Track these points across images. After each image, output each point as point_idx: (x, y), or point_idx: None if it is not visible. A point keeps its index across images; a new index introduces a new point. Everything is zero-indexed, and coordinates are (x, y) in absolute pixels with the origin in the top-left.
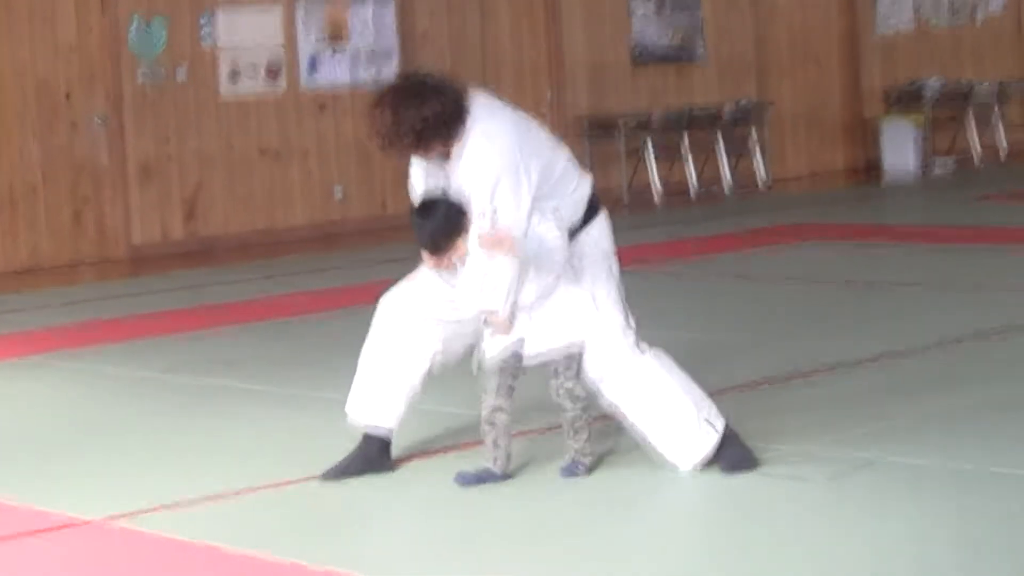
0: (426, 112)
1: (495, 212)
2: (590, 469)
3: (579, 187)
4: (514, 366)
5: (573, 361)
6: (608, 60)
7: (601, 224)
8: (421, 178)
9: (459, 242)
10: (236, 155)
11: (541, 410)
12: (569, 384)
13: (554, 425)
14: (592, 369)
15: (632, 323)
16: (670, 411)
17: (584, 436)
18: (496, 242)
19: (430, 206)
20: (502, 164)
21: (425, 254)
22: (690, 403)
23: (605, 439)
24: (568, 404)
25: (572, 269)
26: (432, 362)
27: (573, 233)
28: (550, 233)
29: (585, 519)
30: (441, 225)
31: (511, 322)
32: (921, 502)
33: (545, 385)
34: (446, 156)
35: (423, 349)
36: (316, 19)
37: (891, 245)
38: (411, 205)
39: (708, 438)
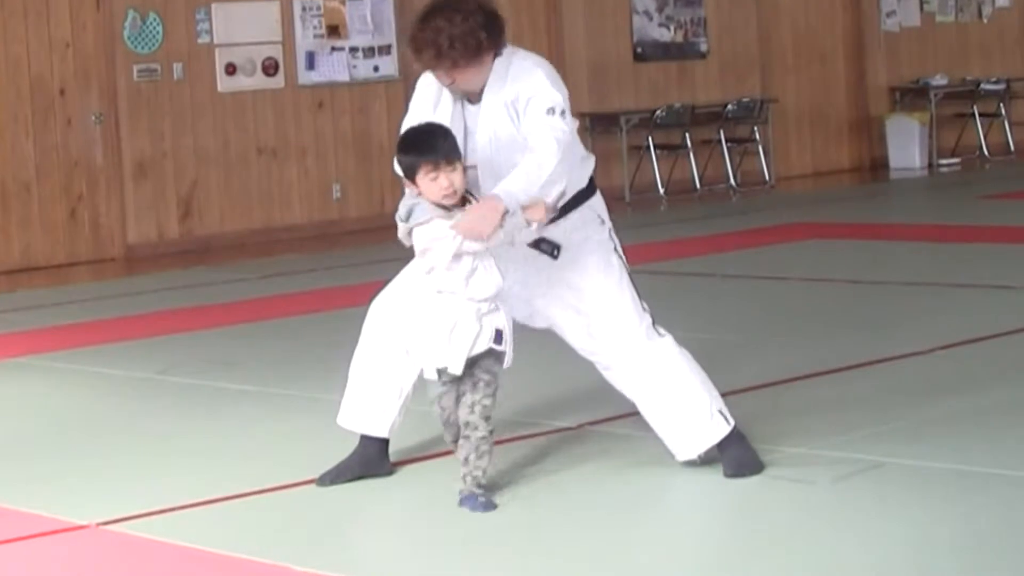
0: (489, 7)
1: (564, 113)
2: (491, 498)
3: (587, 157)
4: (452, 385)
5: (495, 378)
6: (610, 56)
7: (600, 201)
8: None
9: (457, 171)
10: (233, 153)
11: (545, 414)
12: (487, 402)
13: (556, 428)
14: (602, 355)
15: (645, 306)
16: (683, 397)
17: (486, 461)
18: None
19: (437, 126)
20: (557, 83)
21: (433, 173)
22: (705, 393)
23: (597, 444)
24: (481, 424)
25: (575, 245)
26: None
27: (575, 205)
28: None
29: (586, 523)
30: (454, 139)
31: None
32: (927, 504)
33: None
34: (473, 88)
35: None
36: (314, 14)
37: (897, 244)
38: (414, 128)
39: (718, 429)
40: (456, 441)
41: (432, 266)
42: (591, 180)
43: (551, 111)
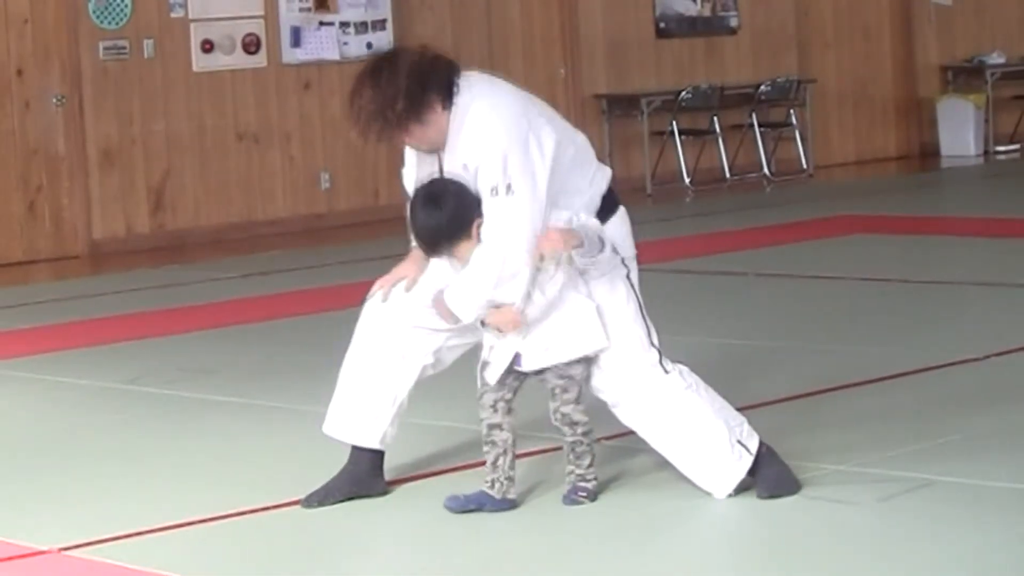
0: (420, 65)
1: (508, 187)
2: (594, 495)
3: (595, 180)
4: (513, 380)
5: (573, 384)
6: (629, 32)
7: (619, 223)
8: (414, 168)
9: (463, 245)
10: (209, 139)
11: (551, 428)
12: (567, 409)
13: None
14: (607, 392)
15: (655, 339)
16: (699, 436)
17: (587, 461)
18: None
19: (437, 198)
20: (510, 136)
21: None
22: (721, 425)
23: (617, 460)
24: (567, 430)
25: (582, 275)
26: (422, 375)
27: None
28: (590, 220)
29: (601, 550)
30: (447, 224)
31: (519, 322)
32: (982, 527)
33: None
34: (438, 143)
35: (412, 360)
36: None
37: (949, 239)
38: (413, 196)
39: (742, 462)
40: (488, 442)
41: None
42: (608, 198)
43: (494, 191)
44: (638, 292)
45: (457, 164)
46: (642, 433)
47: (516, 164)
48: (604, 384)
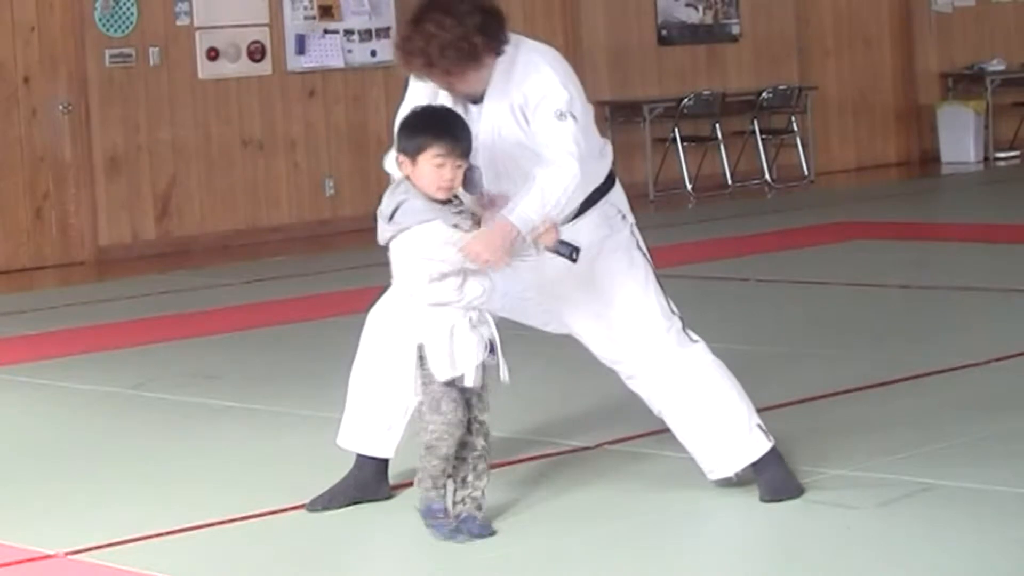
0: (487, 3)
1: (572, 115)
2: (488, 526)
3: (604, 152)
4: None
5: (486, 389)
6: (632, 40)
7: (621, 193)
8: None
9: (461, 168)
10: (215, 146)
11: (559, 432)
12: (484, 416)
13: (572, 447)
14: (626, 363)
15: (675, 308)
16: (718, 409)
17: (485, 480)
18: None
19: (459, 116)
20: (568, 78)
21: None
22: (743, 405)
23: (618, 464)
24: (480, 442)
25: (595, 245)
26: None
27: (594, 201)
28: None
29: (603, 553)
30: (471, 140)
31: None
32: (983, 531)
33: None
34: (478, 91)
35: None
36: None
37: (949, 245)
38: (433, 107)
39: (758, 445)
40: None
41: (442, 273)
42: (610, 172)
43: (561, 115)
44: (652, 261)
45: (504, 108)
46: (658, 404)
47: (576, 99)
48: (623, 354)
